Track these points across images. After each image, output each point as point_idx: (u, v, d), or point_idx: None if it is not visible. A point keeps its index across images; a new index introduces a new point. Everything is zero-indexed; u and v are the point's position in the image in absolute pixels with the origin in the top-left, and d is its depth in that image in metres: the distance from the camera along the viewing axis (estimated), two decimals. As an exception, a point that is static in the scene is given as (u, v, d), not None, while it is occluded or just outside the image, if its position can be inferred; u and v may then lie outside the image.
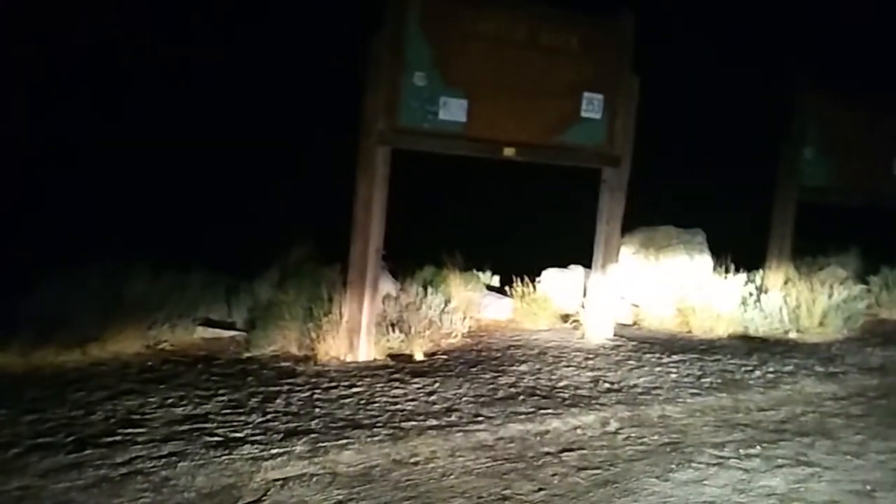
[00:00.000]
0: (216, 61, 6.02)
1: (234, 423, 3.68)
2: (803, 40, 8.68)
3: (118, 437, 3.44)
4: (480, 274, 6.50)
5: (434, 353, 5.05)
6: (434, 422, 3.88)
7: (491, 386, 4.51)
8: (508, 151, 5.27)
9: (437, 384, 4.45)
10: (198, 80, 5.97)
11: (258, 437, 3.54)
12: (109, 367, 4.35)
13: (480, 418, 3.97)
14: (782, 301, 6.55)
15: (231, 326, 5.10)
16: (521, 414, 4.08)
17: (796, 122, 7.14)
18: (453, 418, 3.95)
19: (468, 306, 5.79)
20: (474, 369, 4.80)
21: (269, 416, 3.80)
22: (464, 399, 4.25)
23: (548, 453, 3.67)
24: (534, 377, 4.73)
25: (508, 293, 6.30)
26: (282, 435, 3.58)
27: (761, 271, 7.14)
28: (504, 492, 3.24)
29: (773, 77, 7.47)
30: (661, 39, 6.55)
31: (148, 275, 4.86)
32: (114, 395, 3.91)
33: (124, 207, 5.54)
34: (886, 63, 9.01)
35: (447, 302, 5.51)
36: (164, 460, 3.25)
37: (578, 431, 3.98)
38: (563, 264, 6.54)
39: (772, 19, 8.93)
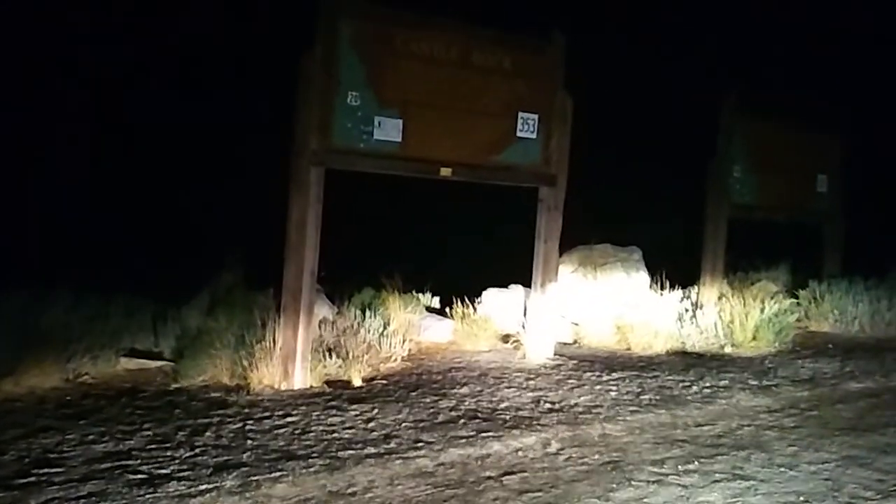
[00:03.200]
0: (141, 77, 5.83)
1: (160, 459, 3.49)
2: (732, 61, 8.98)
3: (32, 479, 3.23)
4: (420, 295, 6.44)
5: (373, 378, 4.94)
6: (372, 450, 3.77)
7: (431, 410, 4.42)
8: (445, 171, 5.24)
9: (375, 410, 4.33)
10: (124, 97, 5.77)
11: (185, 473, 3.36)
12: (24, 403, 4.09)
13: (420, 444, 3.88)
14: (717, 316, 6.68)
15: (158, 356, 4.88)
16: (461, 438, 4.00)
17: (724, 140, 7.36)
18: (392, 445, 3.84)
19: (408, 329, 5.71)
20: (414, 394, 4.71)
21: (197, 450, 3.62)
22: (403, 425, 4.15)
23: (489, 477, 3.59)
24: (475, 399, 4.66)
25: (449, 314, 6.24)
26: (211, 469, 3.41)
27: (696, 287, 7.28)
28: (444, 520, 3.15)
29: (703, 96, 7.67)
30: (595, 60, 6.65)
31: (67, 303, 4.62)
32: (28, 433, 3.68)
33: (41, 232, 5.27)
34: (811, 84, 9.40)
35: (386, 325, 5.42)
36: (82, 501, 3.05)
37: (520, 454, 3.92)
38: (503, 284, 6.53)
39: (702, 40, 9.21)
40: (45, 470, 3.31)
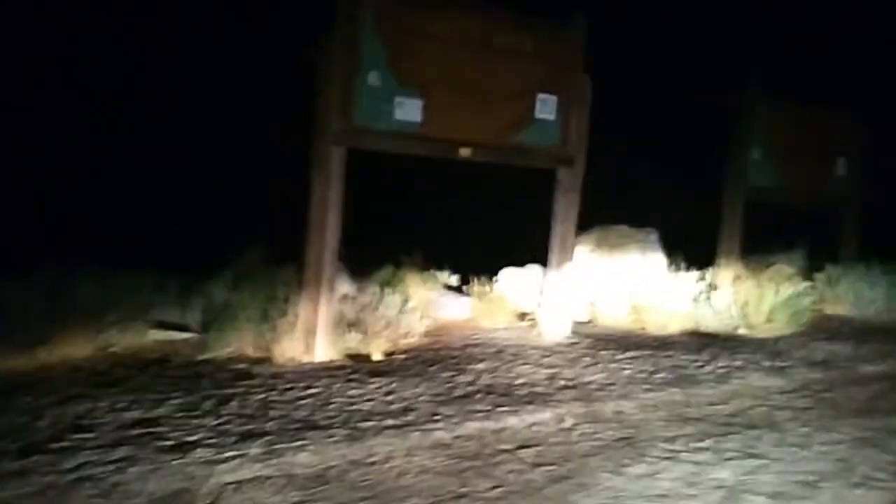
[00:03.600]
0: (165, 54, 5.91)
1: (187, 427, 3.61)
2: (752, 43, 8.91)
3: (66, 443, 3.35)
4: (439, 273, 6.50)
5: (392, 353, 5.04)
6: (391, 421, 3.87)
7: (449, 385, 4.52)
8: (464, 152, 5.30)
9: (394, 384, 4.44)
10: (149, 76, 5.86)
11: (212, 441, 3.48)
12: (58, 372, 4.23)
13: (438, 417, 3.98)
14: (732, 298, 6.71)
15: (185, 328, 5.00)
16: (478, 412, 4.09)
17: (744, 124, 7.35)
18: (411, 417, 3.95)
19: (426, 306, 5.79)
20: (432, 368, 4.81)
21: (223, 419, 3.74)
22: (421, 398, 4.25)
23: (504, 451, 3.69)
24: (491, 375, 4.76)
25: (466, 292, 6.33)
26: (237, 438, 3.53)
27: (712, 269, 7.30)
28: (461, 489, 3.26)
29: (723, 79, 7.64)
30: (613, 41, 6.65)
31: (98, 277, 4.74)
32: (62, 400, 3.81)
33: (74, 209, 5.40)
34: (830, 67, 9.31)
35: (405, 302, 5.50)
36: (114, 465, 3.17)
37: (535, 428, 4.01)
38: (521, 263, 6.59)
39: (721, 22, 9.14)
40: (78, 435, 3.43)
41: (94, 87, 5.74)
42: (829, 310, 7.63)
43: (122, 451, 3.31)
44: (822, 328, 6.86)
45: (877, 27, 9.64)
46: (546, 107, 5.64)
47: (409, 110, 5.00)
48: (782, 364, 5.53)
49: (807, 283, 7.34)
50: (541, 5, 5.57)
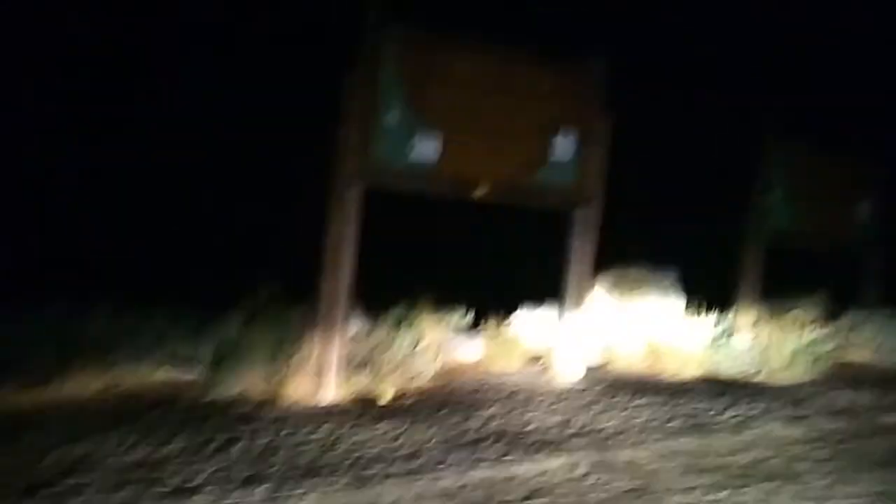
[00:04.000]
0: (184, 90, 5.98)
1: (190, 470, 3.57)
2: (774, 84, 8.87)
3: (69, 483, 3.32)
4: (451, 313, 6.45)
5: (402, 395, 4.98)
6: (399, 467, 3.81)
7: (458, 429, 4.44)
8: (480, 191, 5.28)
9: (402, 428, 4.37)
10: (162, 109, 5.93)
11: (214, 486, 3.43)
12: (65, 410, 4.21)
13: (446, 464, 3.90)
14: (751, 343, 6.59)
15: (195, 367, 4.98)
16: (487, 459, 4.02)
17: (765, 167, 7.28)
18: (418, 464, 3.88)
19: (438, 346, 5.72)
20: (442, 412, 4.74)
21: (226, 463, 3.69)
22: (429, 444, 4.18)
23: (513, 500, 3.60)
24: (502, 420, 4.68)
25: (479, 332, 6.26)
26: (239, 483, 3.48)
27: (731, 313, 7.18)
28: (466, 542, 3.18)
29: (745, 120, 7.61)
30: (633, 82, 6.64)
31: (109, 313, 4.74)
32: (67, 439, 3.78)
33: (86, 243, 5.43)
34: (854, 109, 9.23)
35: (417, 342, 5.45)
36: (114, 509, 3.14)
37: (545, 477, 3.92)
38: (535, 303, 6.53)
39: (743, 62, 9.12)
40: (81, 476, 3.40)
41: (109, 117, 5.81)
42: (851, 357, 7.46)
43: (123, 495, 3.27)
44: (843, 376, 6.70)
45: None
46: (564, 145, 5.61)
47: (426, 150, 5.01)
48: (802, 413, 5.39)
49: (829, 329, 7.20)
50: (561, 43, 5.58)
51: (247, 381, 4.71)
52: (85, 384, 4.47)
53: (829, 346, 6.85)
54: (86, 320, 4.67)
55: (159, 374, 4.81)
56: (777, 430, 5.01)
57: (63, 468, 3.48)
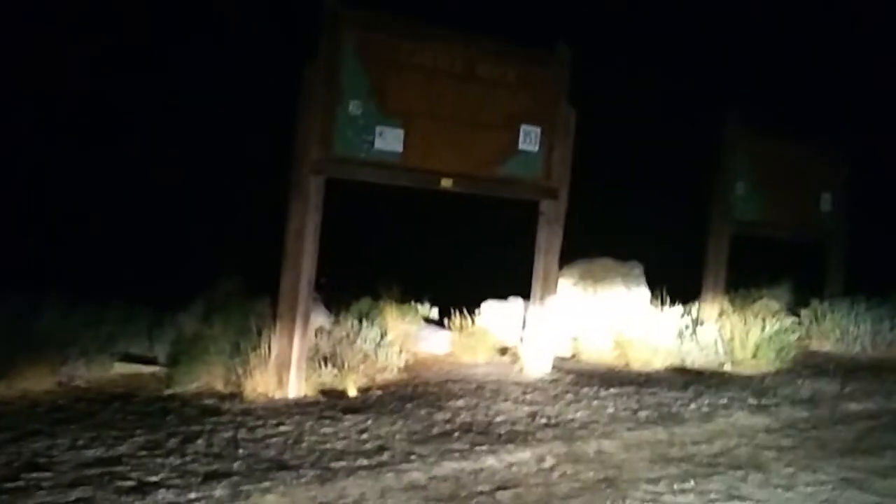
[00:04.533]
0: (141, 83, 5.84)
1: (150, 466, 3.47)
2: (737, 76, 8.97)
3: (21, 483, 3.20)
4: (418, 306, 6.40)
5: (368, 389, 4.91)
6: (365, 461, 3.73)
7: (426, 422, 4.38)
8: (446, 182, 5.22)
9: (369, 421, 4.30)
10: (121, 103, 5.77)
11: (175, 481, 3.33)
12: (16, 407, 4.07)
13: (413, 457, 3.84)
14: (717, 334, 6.62)
15: (152, 361, 4.86)
16: (455, 451, 3.96)
17: (727, 156, 7.34)
18: (385, 457, 3.81)
19: (405, 339, 5.67)
20: (409, 405, 4.67)
21: (188, 458, 3.59)
22: (397, 437, 4.11)
23: (482, 492, 3.56)
24: (470, 413, 4.63)
25: (447, 326, 6.21)
26: (201, 478, 3.38)
27: (697, 304, 7.23)
28: (434, 535, 3.12)
29: (708, 111, 7.66)
30: (597, 73, 6.64)
31: (62, 309, 4.60)
32: (19, 437, 3.66)
33: (36, 238, 5.26)
34: (816, 101, 9.38)
35: (383, 335, 5.39)
36: (70, 508, 3.01)
37: (514, 469, 3.88)
38: (503, 296, 6.49)
39: (707, 55, 9.21)
40: (35, 474, 3.28)
41: (67, 109, 5.64)
42: (815, 346, 7.56)
43: (79, 492, 3.16)
44: (808, 365, 6.78)
45: (862, 61, 9.75)
46: (529, 138, 5.58)
47: (389, 140, 4.94)
48: (768, 402, 5.43)
49: (793, 319, 7.28)
50: (525, 36, 5.55)
51: (207, 377, 4.61)
52: (36, 381, 4.33)
53: (794, 336, 6.91)
54: (37, 317, 4.52)
55: (115, 370, 4.68)
56: (743, 419, 5.02)
57: (16, 466, 3.36)
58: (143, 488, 3.23)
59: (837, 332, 7.56)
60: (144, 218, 5.67)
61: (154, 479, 3.34)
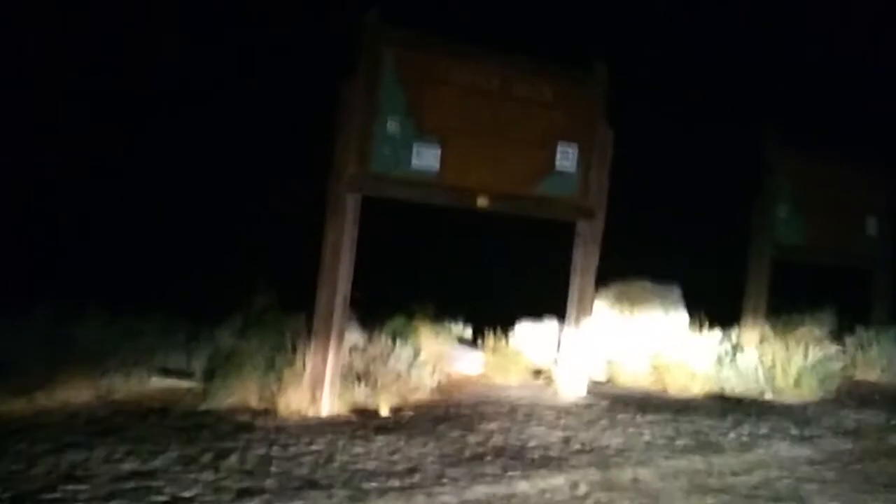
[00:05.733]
0: (177, 98, 5.93)
1: (184, 481, 3.48)
2: (782, 98, 8.82)
3: (58, 494, 3.23)
4: (452, 325, 6.36)
5: (400, 409, 4.88)
6: (396, 482, 3.70)
7: (458, 445, 4.34)
8: (482, 201, 5.21)
9: (401, 442, 4.27)
10: (158, 117, 5.88)
11: (208, 497, 3.33)
12: (56, 417, 4.13)
13: (445, 479, 3.79)
14: (758, 360, 6.47)
15: (188, 376, 4.89)
16: (487, 475, 3.90)
17: (770, 179, 7.19)
18: (416, 479, 3.77)
19: (438, 359, 5.63)
20: (441, 426, 4.63)
21: (221, 474, 3.60)
22: (429, 458, 4.07)
23: (514, 518, 3.51)
24: (503, 436, 4.57)
25: (480, 346, 6.16)
26: (234, 495, 3.38)
27: (737, 329, 7.07)
28: (465, 561, 3.07)
29: (748, 133, 7.53)
30: (636, 93, 6.58)
31: (102, 321, 4.66)
32: (58, 448, 3.70)
33: (77, 249, 5.35)
34: (859, 122, 9.17)
35: (416, 354, 5.35)
36: (105, 520, 3.05)
37: (547, 495, 3.81)
38: (537, 316, 6.43)
39: (752, 75, 9.08)
40: (71, 486, 3.31)
41: (101, 120, 5.75)
42: (860, 375, 7.33)
43: (114, 505, 3.17)
44: (853, 395, 6.57)
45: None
46: (566, 157, 5.54)
47: (426, 158, 4.94)
48: (810, 432, 5.27)
49: (837, 347, 7.08)
50: (563, 54, 5.53)
51: (241, 392, 4.62)
52: (76, 392, 4.38)
53: (837, 364, 6.72)
54: (77, 328, 4.59)
55: (152, 384, 4.73)
56: (784, 450, 4.89)
57: (53, 477, 3.39)
58: (176, 503, 3.23)
59: (884, 361, 7.33)
60: (182, 231, 5.74)
61: (187, 494, 3.35)
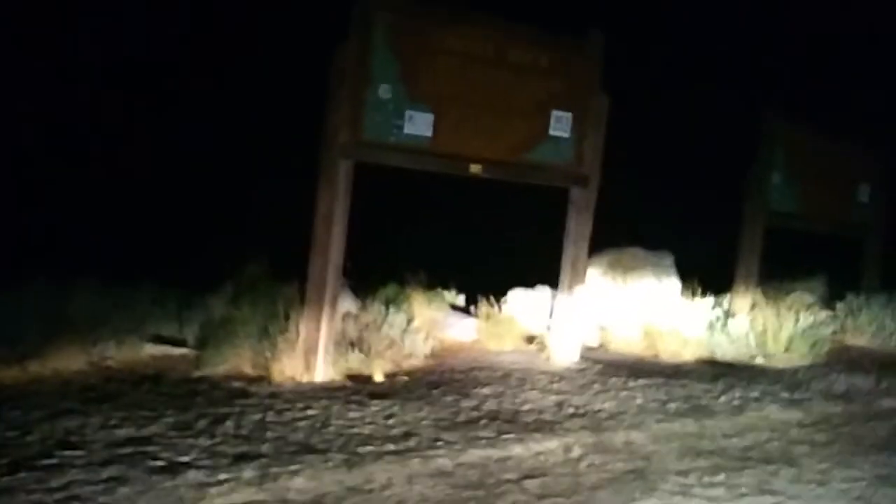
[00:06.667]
0: (168, 67, 5.86)
1: (180, 447, 3.49)
2: (776, 67, 8.80)
3: (55, 460, 3.24)
4: (445, 293, 6.38)
5: (394, 375, 4.91)
6: (391, 446, 3.73)
7: (452, 409, 4.37)
8: (475, 168, 5.18)
9: (396, 407, 4.30)
10: (148, 88, 5.81)
11: (205, 462, 3.35)
12: (49, 385, 4.13)
13: (440, 443, 3.83)
14: (749, 326, 6.53)
15: (182, 343, 4.89)
16: (482, 439, 3.94)
17: (765, 147, 7.20)
18: (412, 443, 3.80)
19: (431, 326, 5.66)
20: (435, 392, 4.67)
21: (217, 440, 3.61)
22: (423, 423, 4.11)
23: (508, 480, 3.54)
24: (497, 401, 4.61)
25: (473, 313, 6.19)
26: (230, 459, 3.40)
27: (728, 295, 7.13)
28: (461, 522, 3.11)
29: (743, 102, 7.53)
30: (632, 60, 6.54)
31: (93, 292, 4.65)
32: (52, 415, 3.70)
33: (69, 219, 5.32)
34: (852, 92, 9.17)
35: (409, 321, 5.37)
36: (103, 485, 3.05)
37: (541, 458, 3.86)
38: (530, 284, 6.45)
39: (746, 46, 9.04)
40: (68, 452, 3.32)
41: (93, 93, 5.68)
42: (850, 340, 7.41)
43: (111, 471, 3.18)
44: (843, 359, 6.65)
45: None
46: (561, 124, 5.51)
47: (419, 125, 4.90)
48: (800, 396, 5.34)
49: (827, 313, 7.16)
50: (558, 21, 5.48)
51: (235, 359, 4.63)
52: (69, 361, 4.38)
53: (828, 330, 6.80)
54: (69, 297, 4.58)
55: (145, 351, 4.73)
56: (775, 413, 4.95)
57: (50, 444, 3.40)
58: (173, 468, 3.25)
59: (874, 326, 7.42)
60: (174, 200, 5.71)
61: (184, 459, 3.36)
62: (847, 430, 4.76)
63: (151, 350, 4.77)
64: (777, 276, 7.58)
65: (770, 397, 5.23)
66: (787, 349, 6.37)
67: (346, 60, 4.62)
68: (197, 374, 4.54)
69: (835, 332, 7.14)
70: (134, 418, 3.76)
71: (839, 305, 7.67)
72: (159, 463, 3.30)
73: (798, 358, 6.34)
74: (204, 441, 3.57)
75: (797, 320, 6.50)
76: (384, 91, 4.74)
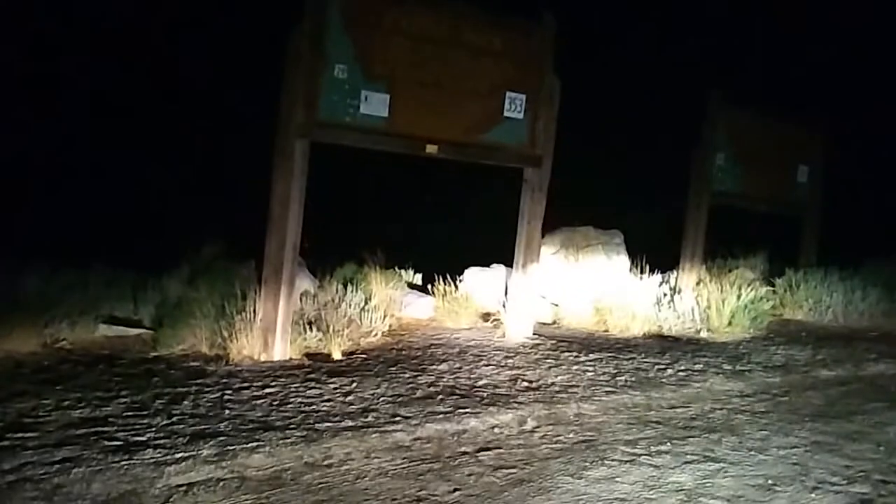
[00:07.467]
0: (124, 48, 5.73)
1: (136, 427, 3.49)
2: (719, 52, 9.00)
3: (6, 443, 3.22)
4: (402, 272, 6.44)
5: (353, 353, 4.96)
6: (350, 423, 3.79)
7: (409, 385, 4.45)
8: (431, 148, 5.22)
9: (354, 384, 4.35)
10: (103, 69, 5.67)
11: (162, 441, 3.36)
12: (1, 367, 4.06)
13: (398, 418, 3.90)
14: (694, 301, 6.75)
15: (137, 324, 4.85)
16: (439, 413, 4.03)
17: (709, 130, 7.41)
18: (370, 419, 3.87)
19: (389, 305, 5.71)
20: (393, 368, 4.73)
21: (174, 419, 3.62)
22: (381, 399, 4.17)
23: (465, 453, 3.63)
24: (453, 376, 4.70)
25: (430, 292, 6.26)
26: (188, 438, 3.41)
27: (675, 272, 7.34)
28: (419, 493, 3.19)
29: (689, 85, 7.70)
30: (585, 45, 6.63)
31: (45, 273, 4.56)
32: (4, 397, 3.66)
33: (17, 203, 5.19)
34: (795, 77, 9.46)
35: (367, 300, 5.42)
36: (56, 466, 3.05)
37: (496, 430, 3.96)
38: (485, 263, 6.55)
39: (690, 30, 9.22)
40: (20, 434, 3.30)
41: (44, 77, 5.53)
42: (789, 314, 7.73)
43: (65, 452, 3.18)
44: (782, 333, 6.94)
45: (841, 41, 9.82)
46: (515, 105, 5.59)
47: (375, 105, 4.92)
48: (742, 368, 5.56)
49: (767, 289, 7.42)
50: (512, 5, 5.53)
51: (192, 339, 4.62)
52: (20, 342, 4.31)
53: (768, 304, 7.06)
54: (20, 280, 4.48)
55: (100, 331, 4.67)
56: (718, 384, 5.14)
57: (1, 426, 3.36)
58: (129, 448, 3.26)
59: (810, 301, 7.73)
60: (128, 183, 5.60)
61: (141, 438, 3.37)
62: (785, 399, 4.96)
63: (106, 331, 4.71)
64: (721, 253, 7.84)
65: (714, 369, 5.43)
66: (730, 323, 6.61)
67: (302, 41, 4.60)
68: (153, 354, 4.51)
69: (774, 307, 7.42)
70: (89, 399, 3.73)
71: (779, 281, 7.95)
72: (115, 443, 3.30)
73: (740, 331, 6.59)
74: (161, 420, 3.58)
75: (739, 296, 6.74)
76: (340, 71, 4.74)
